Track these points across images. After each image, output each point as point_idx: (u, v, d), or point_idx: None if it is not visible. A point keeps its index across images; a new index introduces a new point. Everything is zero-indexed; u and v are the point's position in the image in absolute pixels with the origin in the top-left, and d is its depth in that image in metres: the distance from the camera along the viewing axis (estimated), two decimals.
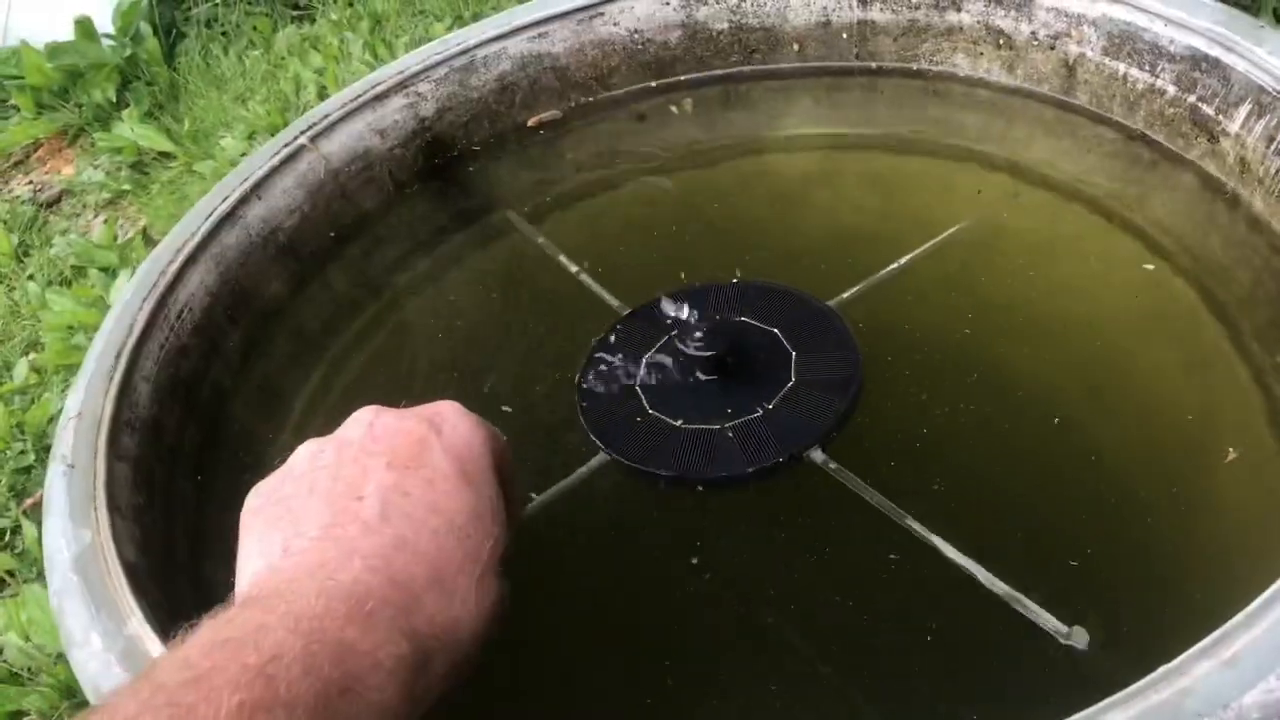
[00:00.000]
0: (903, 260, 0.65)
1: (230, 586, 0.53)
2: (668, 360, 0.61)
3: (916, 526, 0.50)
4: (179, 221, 0.68)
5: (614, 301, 0.66)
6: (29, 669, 0.90)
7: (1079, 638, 0.45)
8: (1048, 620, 0.46)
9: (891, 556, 0.50)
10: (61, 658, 0.89)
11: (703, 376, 0.59)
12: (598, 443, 0.57)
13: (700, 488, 0.55)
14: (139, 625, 0.45)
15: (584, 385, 0.60)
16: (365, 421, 0.43)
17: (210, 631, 0.34)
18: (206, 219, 0.67)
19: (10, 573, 1.00)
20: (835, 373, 0.58)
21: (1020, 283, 0.63)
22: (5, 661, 0.90)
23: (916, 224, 0.68)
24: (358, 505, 0.39)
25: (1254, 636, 0.35)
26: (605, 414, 0.58)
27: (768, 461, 0.54)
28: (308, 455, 0.43)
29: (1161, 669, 0.35)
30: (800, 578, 0.51)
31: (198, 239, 0.66)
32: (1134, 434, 0.55)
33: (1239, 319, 0.58)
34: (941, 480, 0.53)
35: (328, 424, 0.63)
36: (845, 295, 0.63)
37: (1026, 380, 0.58)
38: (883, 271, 0.64)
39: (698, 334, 0.58)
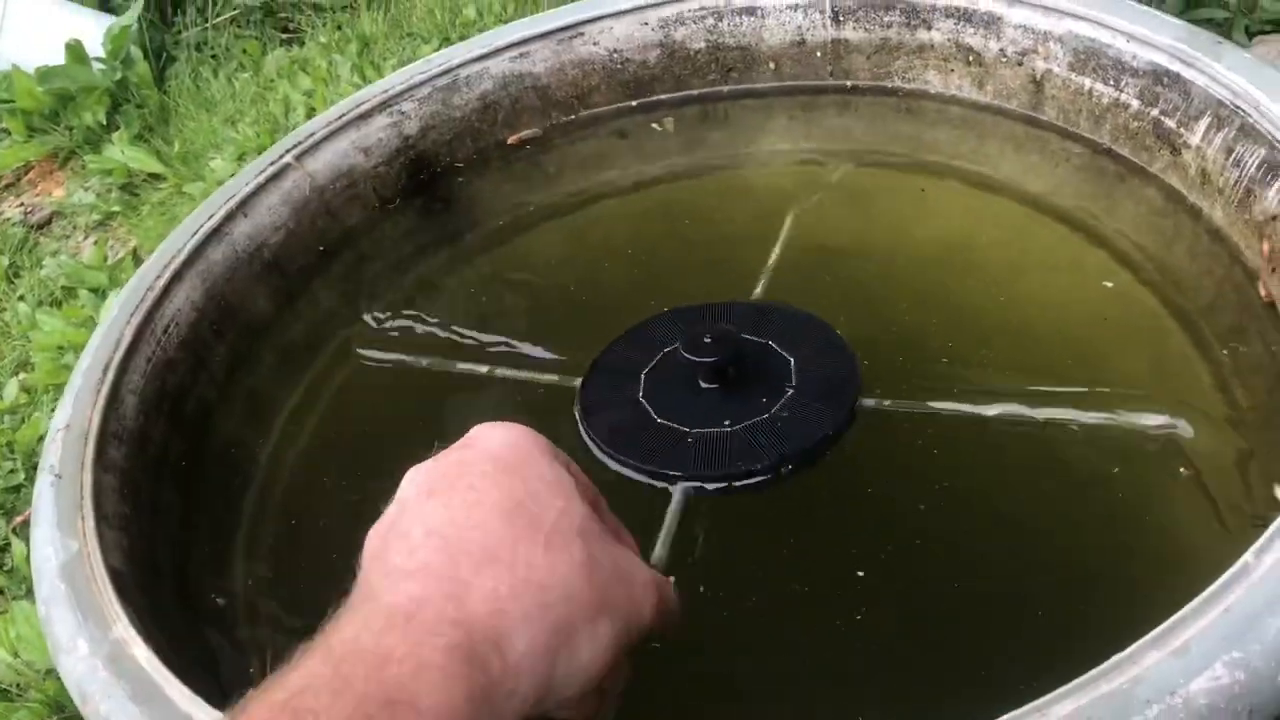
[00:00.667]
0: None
1: (217, 595, 0.54)
2: (668, 380, 0.60)
3: (994, 409, 0.55)
4: (166, 238, 0.69)
5: (550, 356, 0.66)
6: (17, 685, 0.90)
7: (1184, 429, 0.52)
8: (1149, 420, 0.52)
9: (994, 442, 0.54)
10: (50, 674, 0.90)
11: (704, 385, 0.59)
12: (675, 475, 0.56)
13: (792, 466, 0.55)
14: (124, 630, 0.46)
15: (590, 434, 0.59)
16: (412, 481, 0.42)
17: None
18: (193, 236, 0.69)
19: None
20: (827, 343, 0.60)
21: (991, 287, 0.65)
22: None
23: (892, 236, 0.69)
24: (403, 539, 0.38)
25: (1201, 627, 0.36)
26: (650, 444, 0.57)
27: (843, 415, 0.56)
28: (373, 534, 0.41)
29: (1113, 658, 0.36)
30: (937, 502, 0.53)
31: (184, 255, 0.68)
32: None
33: (1201, 324, 0.60)
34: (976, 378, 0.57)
35: (312, 438, 0.65)
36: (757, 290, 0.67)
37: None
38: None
39: (706, 339, 0.58)
